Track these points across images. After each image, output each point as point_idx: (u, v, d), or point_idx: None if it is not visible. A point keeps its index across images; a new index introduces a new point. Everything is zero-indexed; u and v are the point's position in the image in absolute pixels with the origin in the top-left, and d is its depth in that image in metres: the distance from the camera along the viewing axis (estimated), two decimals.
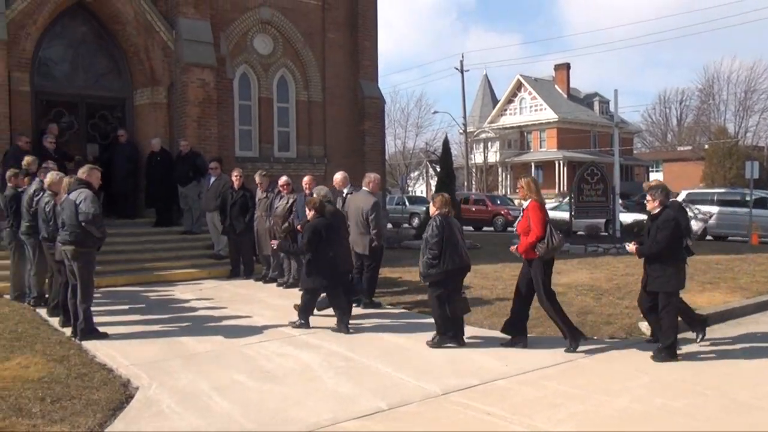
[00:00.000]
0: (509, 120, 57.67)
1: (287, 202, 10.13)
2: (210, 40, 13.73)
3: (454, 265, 6.64)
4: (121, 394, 5.23)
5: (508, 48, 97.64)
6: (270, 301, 9.14)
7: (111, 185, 13.04)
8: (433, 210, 6.97)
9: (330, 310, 7.73)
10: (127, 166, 12.99)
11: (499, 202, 29.40)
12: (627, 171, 53.59)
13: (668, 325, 6.31)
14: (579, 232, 17.13)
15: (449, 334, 6.76)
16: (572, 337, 6.59)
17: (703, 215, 6.91)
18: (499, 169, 55.46)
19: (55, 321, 7.68)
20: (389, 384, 5.52)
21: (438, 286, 6.73)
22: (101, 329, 7.16)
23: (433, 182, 29.08)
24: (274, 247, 9.52)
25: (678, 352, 6.37)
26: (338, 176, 9.73)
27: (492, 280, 10.69)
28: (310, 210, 7.65)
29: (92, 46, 13.40)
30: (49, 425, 4.50)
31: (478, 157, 55.33)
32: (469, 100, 51.00)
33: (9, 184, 9.03)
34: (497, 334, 7.02)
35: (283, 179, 10.64)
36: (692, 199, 20.91)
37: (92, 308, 7.23)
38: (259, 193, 10.75)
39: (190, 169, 12.58)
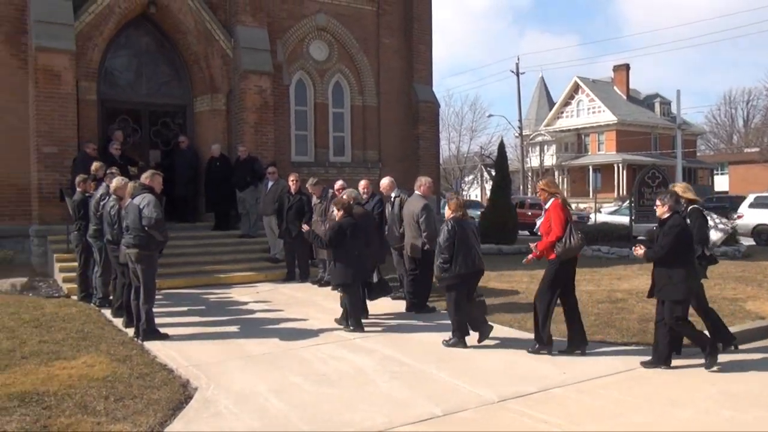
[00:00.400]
0: (566, 123, 56.66)
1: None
2: (267, 47, 13.97)
3: (467, 269, 6.73)
4: (181, 394, 5.33)
5: (564, 49, 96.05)
6: (325, 305, 9.19)
7: (173, 190, 13.44)
8: (448, 213, 6.99)
9: (386, 313, 7.71)
10: (188, 172, 13.33)
11: None
12: (690, 174, 51.85)
13: (690, 336, 6.19)
14: (640, 237, 16.63)
15: (465, 336, 6.84)
16: (539, 339, 6.54)
17: (723, 225, 6.86)
18: (556, 173, 54.51)
19: (119, 321, 7.91)
20: (444, 389, 5.46)
21: (452, 289, 6.82)
22: (162, 330, 7.33)
23: (488, 186, 28.80)
24: (303, 230, 9.55)
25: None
26: (385, 181, 9.74)
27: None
28: (338, 210, 7.83)
29: (155, 55, 13.82)
30: (112, 423, 4.63)
31: (534, 161, 54.56)
32: (524, 103, 50.52)
33: (78, 189, 9.36)
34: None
35: (338, 184, 10.69)
36: (761, 203, 20.17)
37: (154, 309, 7.43)
38: (314, 199, 10.84)
39: (248, 173, 12.79)
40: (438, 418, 4.83)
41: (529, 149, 54.57)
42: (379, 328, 7.64)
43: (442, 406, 5.02)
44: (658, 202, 6.30)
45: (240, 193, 12.89)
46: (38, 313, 8.22)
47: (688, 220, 6.48)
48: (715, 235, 6.71)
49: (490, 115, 51.26)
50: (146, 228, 7.07)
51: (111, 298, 8.65)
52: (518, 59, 45.60)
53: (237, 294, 10.09)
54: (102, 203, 8.43)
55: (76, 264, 9.50)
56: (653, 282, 6.26)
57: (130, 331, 7.37)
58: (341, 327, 7.71)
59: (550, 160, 54.96)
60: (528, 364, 6.22)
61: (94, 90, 12.53)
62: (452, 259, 6.70)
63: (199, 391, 5.41)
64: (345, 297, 7.73)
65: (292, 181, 11.27)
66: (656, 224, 6.37)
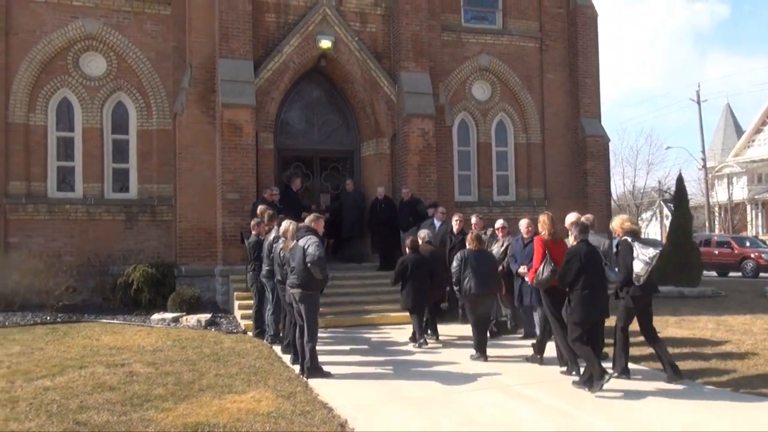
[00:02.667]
0: (758, 152, 51.23)
1: (502, 245, 9.91)
2: (429, 91, 14.22)
3: (472, 291, 8.20)
4: None
5: (754, 72, 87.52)
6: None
7: (340, 231, 14.00)
8: (468, 245, 8.55)
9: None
10: (354, 213, 13.83)
11: (748, 243, 25.95)
12: None
13: (581, 355, 6.69)
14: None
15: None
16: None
17: (644, 256, 6.73)
18: (748, 207, 49.30)
19: (287, 358, 8.24)
20: None
21: (468, 307, 8.47)
22: (326, 368, 7.51)
23: (668, 223, 26.70)
24: None
25: None
26: (522, 222, 9.23)
27: (739, 333, 9.37)
28: (406, 247, 9.56)
29: (324, 104, 14.63)
30: None
31: (721, 195, 49.85)
32: (707, 133, 46.53)
33: (253, 232, 10.02)
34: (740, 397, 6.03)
35: (499, 223, 10.47)
36: None
37: (318, 347, 7.65)
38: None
39: (411, 214, 12.95)
40: None
41: (715, 182, 50.01)
42: (545, 379, 7.21)
43: None
44: (570, 232, 7.03)
45: (404, 234, 13.03)
46: (218, 348, 8.82)
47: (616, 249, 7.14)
48: (637, 266, 6.83)
49: (668, 147, 47.70)
50: (309, 264, 7.31)
51: (281, 335, 9.07)
52: (699, 86, 42.11)
53: (398, 334, 10.13)
54: (274, 245, 8.92)
55: (252, 302, 10.10)
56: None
57: (297, 368, 7.63)
58: (493, 372, 7.45)
59: (740, 193, 49.90)
60: (709, 423, 5.49)
61: (271, 140, 13.48)
62: (460, 283, 8.38)
63: None
64: (412, 318, 9.30)
65: (457, 220, 11.19)
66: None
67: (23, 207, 12.59)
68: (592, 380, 6.49)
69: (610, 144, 16.89)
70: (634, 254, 6.81)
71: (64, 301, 11.46)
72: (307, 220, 7.78)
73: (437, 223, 11.90)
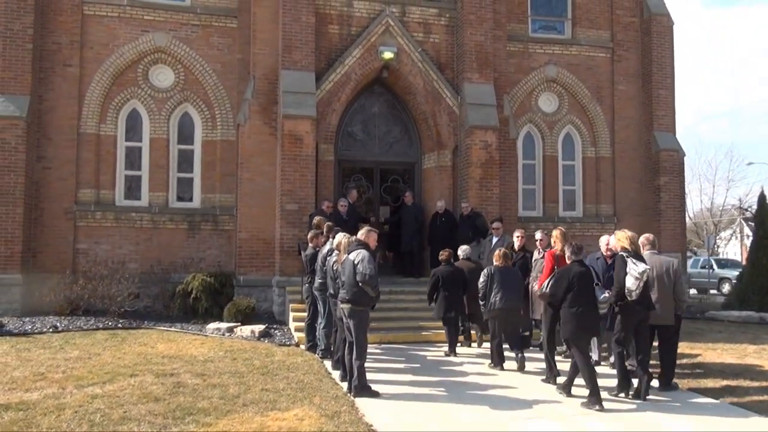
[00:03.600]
0: None
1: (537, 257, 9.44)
2: (493, 102, 13.82)
3: (495, 307, 8.61)
4: None
5: None
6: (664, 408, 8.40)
7: (399, 245, 13.74)
8: (495, 262, 8.98)
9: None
10: (414, 227, 13.53)
11: None
12: None
13: (580, 369, 6.98)
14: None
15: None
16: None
17: (635, 271, 6.92)
18: None
19: (336, 374, 8.00)
20: None
21: (491, 322, 8.85)
22: (375, 386, 7.23)
23: (749, 242, 25.15)
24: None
25: None
26: (602, 240, 8.99)
27: None
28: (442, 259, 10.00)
29: (386, 116, 14.44)
30: None
31: None
32: None
33: (309, 244, 9.90)
34: None
35: (538, 234, 9.96)
36: None
37: (370, 363, 7.40)
38: (536, 254, 10.17)
39: (471, 229, 12.56)
40: None
41: None
42: (608, 407, 6.70)
43: None
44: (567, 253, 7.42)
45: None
46: (268, 360, 8.69)
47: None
48: (628, 281, 6.99)
49: (750, 163, 45.38)
50: (360, 283, 7.12)
51: (333, 349, 8.84)
52: None
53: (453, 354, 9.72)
54: (327, 258, 8.73)
55: (306, 314, 9.94)
56: None
57: (345, 385, 7.39)
58: (552, 400, 7.06)
59: None
60: None
61: (332, 151, 13.38)
62: (485, 299, 8.83)
63: None
64: (445, 329, 9.89)
65: (518, 237, 10.71)
66: None
67: (92, 214, 12.91)
68: (593, 397, 6.76)
69: (686, 159, 16.07)
70: (627, 269, 7.03)
71: (126, 308, 11.65)
72: (359, 234, 7.56)
73: (494, 239, 11.47)
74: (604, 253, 8.73)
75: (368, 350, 7.54)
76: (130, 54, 13.31)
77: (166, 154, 13.52)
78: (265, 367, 8.28)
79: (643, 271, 6.94)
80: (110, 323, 11.13)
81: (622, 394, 7.21)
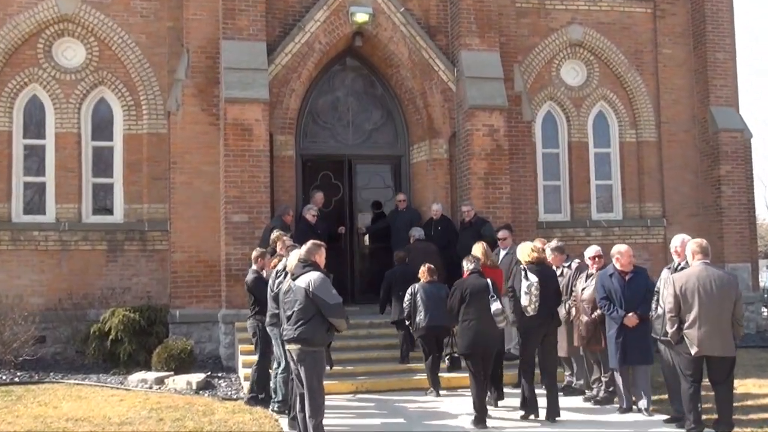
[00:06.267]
0: None
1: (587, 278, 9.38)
2: (500, 75, 13.71)
3: (421, 326, 9.95)
4: None
5: None
6: (572, 425, 8.38)
7: (389, 261, 13.55)
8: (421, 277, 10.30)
9: None
10: (407, 238, 13.32)
11: None
12: None
13: (471, 386, 8.51)
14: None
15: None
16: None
17: (524, 285, 8.59)
18: None
19: None
20: None
21: (421, 342, 10.24)
22: None
23: None
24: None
25: None
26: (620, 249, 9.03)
27: None
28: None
29: (362, 97, 14.37)
30: None
31: None
32: None
33: (253, 266, 9.74)
34: None
35: (592, 250, 9.80)
36: None
37: (339, 420, 7.24)
38: (563, 272, 10.04)
39: (474, 239, 12.35)
40: None
41: None
42: None
43: None
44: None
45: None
46: (206, 421, 8.56)
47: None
48: (522, 297, 8.52)
49: None
50: (328, 317, 7.04)
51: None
52: None
53: (447, 402, 9.64)
54: (277, 282, 8.56)
55: (254, 358, 9.80)
56: None
57: None
58: None
59: None
60: None
61: (292, 144, 13.26)
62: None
63: None
64: (399, 335, 11.11)
65: (533, 249, 10.58)
66: None
67: None
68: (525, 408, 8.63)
69: (753, 141, 16.07)
70: (521, 284, 8.54)
71: (26, 356, 11.50)
72: (303, 252, 7.41)
73: (502, 253, 11.35)
74: (619, 267, 8.76)
75: (341, 403, 7.41)
76: (27, 25, 13.22)
77: (77, 153, 13.43)
78: (200, 430, 8.13)
79: (530, 285, 8.46)
80: (3, 377, 10.97)
81: (532, 416, 8.57)
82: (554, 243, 10.43)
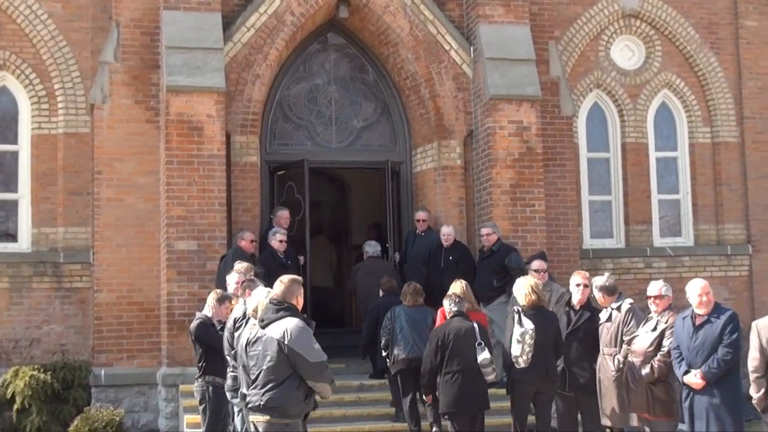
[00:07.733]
0: None
1: (654, 328, 9.29)
2: (531, 55, 13.81)
3: (399, 358, 10.62)
4: None
5: None
6: None
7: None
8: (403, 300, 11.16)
9: None
10: (425, 269, 13.34)
11: None
12: None
13: None
14: None
15: None
16: None
17: (516, 333, 9.00)
18: None
19: None
20: None
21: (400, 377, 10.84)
22: None
23: None
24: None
25: None
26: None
27: None
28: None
29: (349, 84, 14.51)
30: None
31: None
32: None
33: (201, 312, 9.73)
34: None
35: (655, 288, 9.77)
36: None
37: None
38: (603, 313, 10.02)
39: (497, 275, 12.40)
40: None
41: None
42: None
43: None
44: None
45: (486, 307, 12.48)
46: None
47: None
48: (513, 345, 9.01)
49: None
50: (308, 380, 7.02)
51: None
52: None
53: None
54: (237, 333, 8.52)
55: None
56: None
57: None
58: None
59: None
60: None
61: (256, 147, 13.32)
62: None
63: None
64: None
65: (579, 286, 10.59)
66: None
67: None
68: None
69: None
70: (513, 330, 8.99)
71: None
72: (276, 290, 7.34)
73: None
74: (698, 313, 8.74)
75: None
76: None
77: None
78: None
79: (523, 333, 8.80)
80: None
81: None
82: (604, 279, 10.36)
